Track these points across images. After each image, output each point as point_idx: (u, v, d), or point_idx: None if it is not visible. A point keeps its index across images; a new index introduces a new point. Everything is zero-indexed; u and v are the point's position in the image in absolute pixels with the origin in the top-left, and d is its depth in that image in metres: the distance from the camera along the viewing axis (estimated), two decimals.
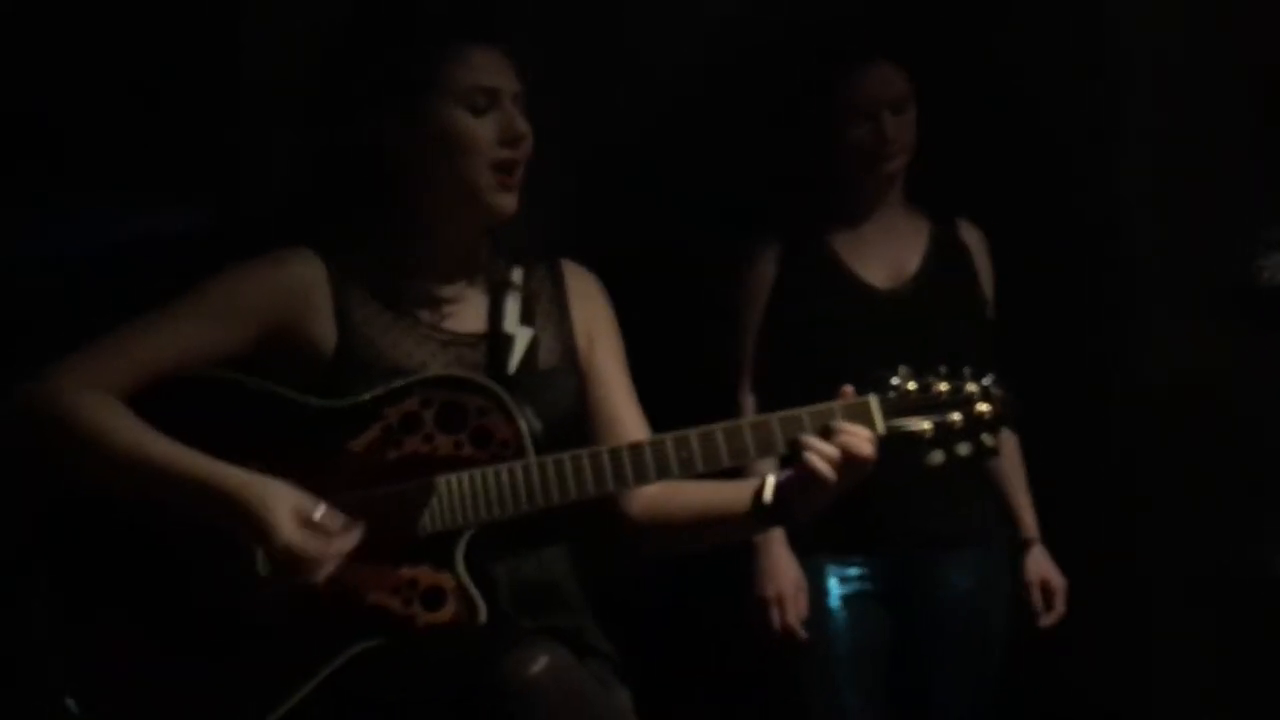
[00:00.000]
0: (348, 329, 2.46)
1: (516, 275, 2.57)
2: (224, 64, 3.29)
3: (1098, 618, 3.44)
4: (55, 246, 3.29)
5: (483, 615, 2.35)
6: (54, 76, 3.23)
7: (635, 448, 2.41)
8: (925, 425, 2.42)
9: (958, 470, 2.49)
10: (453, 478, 2.38)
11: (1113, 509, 3.57)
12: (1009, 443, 3.34)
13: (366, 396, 2.41)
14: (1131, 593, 3.40)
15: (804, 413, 2.41)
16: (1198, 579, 3.64)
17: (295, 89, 2.74)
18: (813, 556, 3.27)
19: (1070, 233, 3.67)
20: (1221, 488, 3.63)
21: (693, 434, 2.41)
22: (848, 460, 2.38)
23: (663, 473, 2.40)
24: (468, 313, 2.54)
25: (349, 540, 2.33)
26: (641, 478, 2.41)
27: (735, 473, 2.48)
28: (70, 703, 2.36)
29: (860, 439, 2.39)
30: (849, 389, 2.43)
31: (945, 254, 3.37)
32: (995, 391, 2.45)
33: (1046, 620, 3.37)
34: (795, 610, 3.24)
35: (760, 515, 2.48)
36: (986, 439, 2.44)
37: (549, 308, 2.59)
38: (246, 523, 2.31)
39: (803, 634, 3.25)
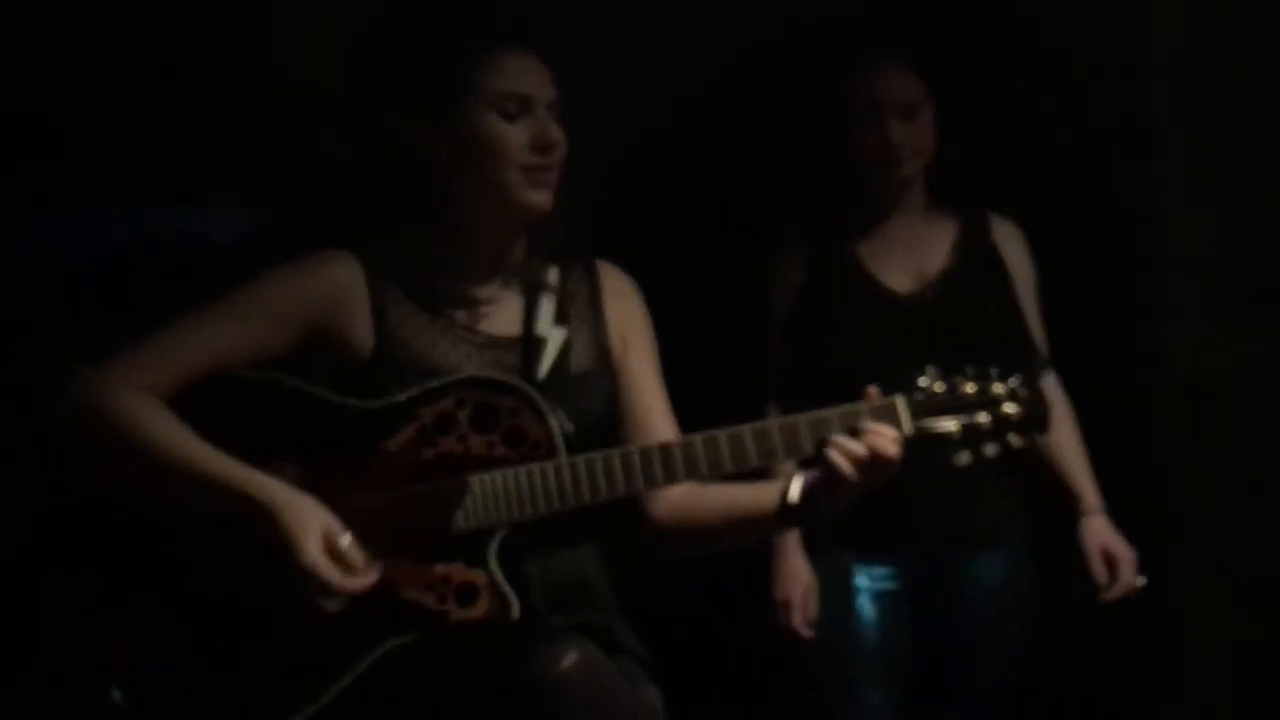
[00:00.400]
0: (384, 331, 2.48)
1: (552, 276, 2.59)
2: (238, 64, 3.30)
3: (1126, 619, 3.39)
4: (55, 246, 3.30)
5: (515, 612, 2.37)
6: (54, 76, 3.23)
7: (665, 448, 2.43)
8: (952, 426, 2.43)
9: (984, 471, 2.50)
10: (486, 477, 2.41)
11: (1148, 510, 3.54)
12: (1066, 417, 3.28)
13: (402, 397, 2.43)
14: (1162, 595, 3.39)
15: (832, 414, 2.43)
16: (1231, 582, 3.61)
17: (320, 91, 2.76)
18: (839, 554, 3.28)
19: (1103, 231, 3.65)
20: (1260, 489, 3.62)
21: (721, 435, 2.43)
22: (874, 461, 2.40)
23: (691, 473, 2.43)
24: (503, 314, 2.56)
25: (365, 580, 2.35)
26: (671, 477, 2.43)
27: (757, 474, 2.50)
28: (115, 693, 2.39)
29: (887, 439, 2.40)
30: (874, 390, 2.44)
31: (972, 255, 3.34)
32: (1023, 392, 2.45)
33: (1113, 593, 3.25)
34: (802, 614, 3.25)
35: (786, 515, 2.51)
36: (1014, 440, 2.45)
37: (584, 309, 2.61)
38: (276, 536, 2.34)
39: (808, 635, 3.26)
